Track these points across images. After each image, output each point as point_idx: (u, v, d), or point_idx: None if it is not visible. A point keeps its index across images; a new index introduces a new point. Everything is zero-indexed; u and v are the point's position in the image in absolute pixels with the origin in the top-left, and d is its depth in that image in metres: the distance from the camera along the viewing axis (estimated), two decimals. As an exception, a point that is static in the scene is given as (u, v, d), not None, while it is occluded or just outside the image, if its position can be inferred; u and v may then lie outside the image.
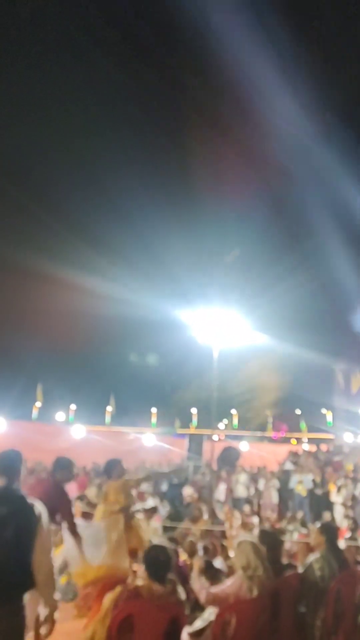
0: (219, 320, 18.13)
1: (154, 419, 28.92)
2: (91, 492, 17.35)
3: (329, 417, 24.65)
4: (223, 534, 9.16)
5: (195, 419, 28.72)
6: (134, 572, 5.34)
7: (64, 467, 5.44)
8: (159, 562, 3.53)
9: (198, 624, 4.20)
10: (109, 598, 3.62)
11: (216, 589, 4.03)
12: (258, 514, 12.48)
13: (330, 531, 4.85)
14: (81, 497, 16.06)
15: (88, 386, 31.11)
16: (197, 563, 4.71)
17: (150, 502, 15.06)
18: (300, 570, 4.66)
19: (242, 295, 21.20)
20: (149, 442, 25.11)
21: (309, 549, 5.56)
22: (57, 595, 3.40)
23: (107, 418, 28.09)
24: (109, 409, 28.05)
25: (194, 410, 29.52)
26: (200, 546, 6.80)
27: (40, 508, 3.27)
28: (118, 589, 3.61)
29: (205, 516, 11.39)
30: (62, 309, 27.95)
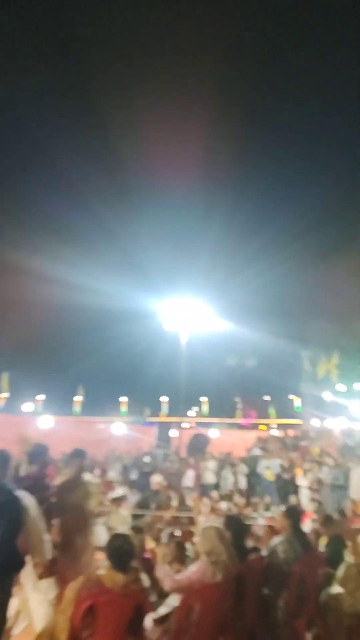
0: (186, 308, 18.12)
1: (123, 408, 28.80)
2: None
3: (297, 402, 25.01)
4: (191, 521, 9.19)
5: (165, 407, 28.74)
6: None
7: (41, 454, 5.66)
8: (121, 551, 3.52)
9: (162, 610, 4.19)
10: (71, 588, 3.61)
11: (180, 576, 4.03)
12: (226, 499, 12.57)
13: (294, 515, 4.92)
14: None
15: (56, 376, 30.80)
16: (161, 551, 4.67)
17: (119, 491, 15.02)
18: (264, 553, 4.69)
19: (208, 283, 21.22)
20: (119, 430, 25.00)
21: (274, 532, 5.58)
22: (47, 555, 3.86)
23: (76, 408, 27.84)
24: (78, 398, 27.80)
25: (163, 399, 29.54)
26: (165, 533, 6.80)
27: (27, 499, 3.84)
28: (80, 579, 3.62)
29: (174, 503, 11.41)
30: (27, 298, 27.50)
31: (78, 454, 5.76)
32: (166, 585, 4.05)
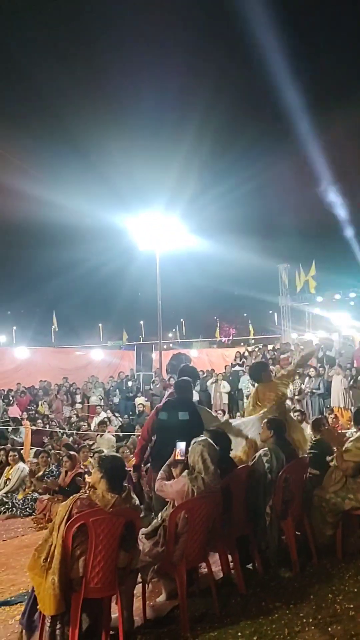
0: (159, 226, 17.31)
1: (101, 333, 28.45)
2: (42, 408, 17.04)
3: (275, 317, 24.93)
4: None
5: (143, 330, 28.49)
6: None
7: None
8: (115, 471, 3.59)
9: (153, 523, 4.26)
10: (62, 507, 3.59)
11: (165, 483, 4.21)
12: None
13: (276, 425, 5.02)
14: (31, 413, 15.71)
15: (28, 305, 30.04)
16: None
17: (103, 415, 14.95)
18: (249, 463, 4.87)
19: (181, 199, 20.25)
20: (97, 356, 24.76)
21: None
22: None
23: (52, 337, 27.38)
24: (53, 327, 27.25)
25: (141, 321, 29.24)
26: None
27: None
28: (70, 499, 3.60)
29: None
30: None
31: None
32: (155, 486, 4.30)
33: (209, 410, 5.38)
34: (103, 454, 4.29)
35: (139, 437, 5.72)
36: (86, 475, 7.52)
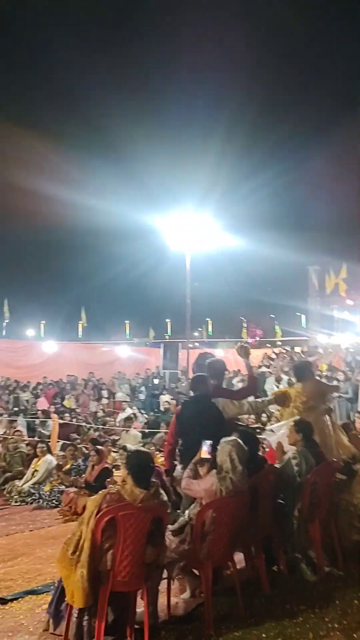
0: (189, 225, 17.28)
1: (127, 331, 28.59)
2: (68, 402, 17.24)
3: (303, 319, 24.66)
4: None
5: (169, 328, 28.54)
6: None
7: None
8: (142, 467, 3.62)
9: (180, 520, 4.30)
10: (91, 502, 3.61)
11: (193, 481, 4.25)
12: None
13: (305, 428, 4.99)
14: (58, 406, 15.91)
15: (57, 301, 30.42)
16: None
17: (129, 411, 15.04)
18: (277, 465, 4.88)
19: (211, 197, 20.22)
20: (124, 353, 24.92)
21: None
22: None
23: (80, 332, 27.64)
24: (81, 322, 27.51)
25: (168, 320, 29.30)
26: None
27: None
28: (100, 494, 3.63)
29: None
30: (27, 219, 26.52)
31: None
32: (182, 483, 4.34)
33: (227, 399, 5.32)
34: (130, 449, 4.33)
35: (165, 443, 5.77)
36: (114, 470, 7.60)
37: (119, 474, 7.23)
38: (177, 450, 5.33)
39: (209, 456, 4.17)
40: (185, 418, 5.22)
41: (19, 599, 4.42)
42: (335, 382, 14.04)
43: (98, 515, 3.42)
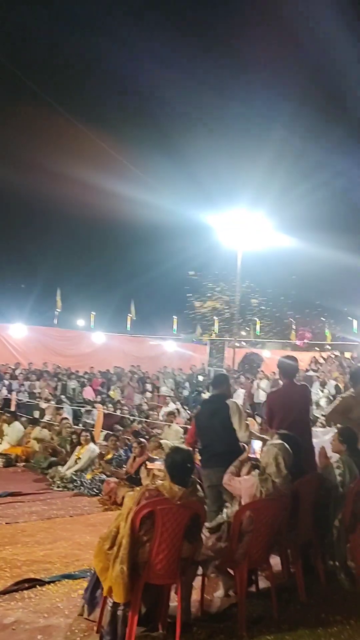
0: (243, 223, 17.17)
1: (175, 326, 28.67)
2: (114, 393, 17.50)
3: (355, 324, 24.04)
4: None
5: (216, 326, 28.42)
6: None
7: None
8: (181, 465, 3.61)
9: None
10: (129, 498, 3.65)
11: (235, 479, 4.28)
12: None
13: (349, 436, 4.87)
14: (103, 396, 16.14)
15: (108, 292, 30.84)
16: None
17: (172, 406, 15.12)
18: (320, 472, 4.79)
19: (266, 196, 19.95)
20: (170, 348, 25.04)
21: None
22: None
23: (128, 325, 27.94)
24: (130, 315, 27.80)
25: (215, 317, 29.19)
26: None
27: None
28: (139, 490, 3.68)
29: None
30: (83, 212, 26.99)
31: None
32: (224, 478, 4.32)
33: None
34: (171, 446, 4.37)
35: (185, 442, 5.82)
36: (148, 463, 7.66)
37: (151, 467, 7.30)
38: (196, 449, 5.41)
39: (255, 455, 4.15)
40: (201, 418, 5.32)
41: (56, 582, 4.53)
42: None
43: (137, 507, 3.45)
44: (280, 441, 4.26)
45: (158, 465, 7.00)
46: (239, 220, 16.70)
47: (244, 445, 4.48)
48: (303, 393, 5.35)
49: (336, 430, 5.04)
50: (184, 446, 4.14)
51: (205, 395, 15.48)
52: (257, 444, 4.19)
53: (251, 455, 4.18)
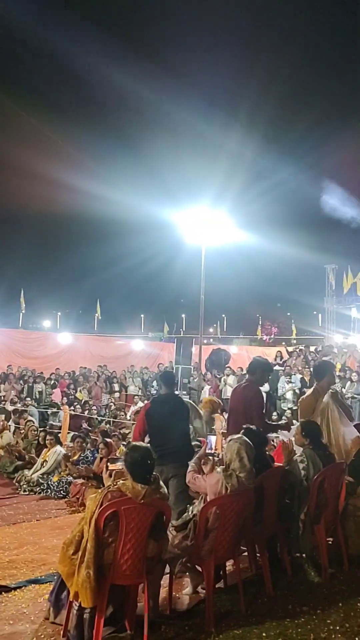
0: (206, 220, 17.23)
1: (142, 325, 28.64)
2: (81, 394, 17.33)
3: (320, 318, 24.44)
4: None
5: (184, 323, 28.51)
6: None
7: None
8: (141, 462, 3.58)
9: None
10: (91, 501, 3.59)
11: (198, 477, 4.29)
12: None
13: (311, 430, 4.89)
14: (70, 397, 15.96)
15: (73, 292, 30.57)
16: None
17: (140, 405, 15.06)
18: (284, 466, 4.79)
19: (228, 193, 20.09)
20: (138, 347, 24.97)
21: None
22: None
23: (95, 325, 27.75)
24: (96, 315, 27.62)
25: (183, 315, 29.30)
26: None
27: None
28: (100, 492, 3.61)
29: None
30: (44, 211, 26.64)
31: None
32: (187, 477, 4.34)
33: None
34: (130, 444, 4.24)
35: (131, 439, 5.79)
36: (109, 463, 7.59)
37: (113, 467, 7.25)
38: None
39: (213, 451, 4.16)
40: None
41: (22, 588, 4.45)
42: (349, 383, 13.93)
43: (101, 509, 3.41)
44: (240, 436, 4.27)
45: (119, 465, 6.96)
46: (202, 217, 16.75)
47: (199, 442, 4.48)
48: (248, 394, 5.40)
49: (299, 425, 5.07)
50: (142, 444, 4.06)
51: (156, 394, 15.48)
52: (214, 439, 4.21)
53: (208, 451, 4.18)
